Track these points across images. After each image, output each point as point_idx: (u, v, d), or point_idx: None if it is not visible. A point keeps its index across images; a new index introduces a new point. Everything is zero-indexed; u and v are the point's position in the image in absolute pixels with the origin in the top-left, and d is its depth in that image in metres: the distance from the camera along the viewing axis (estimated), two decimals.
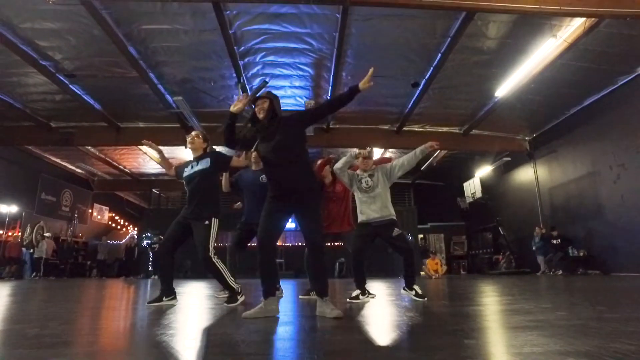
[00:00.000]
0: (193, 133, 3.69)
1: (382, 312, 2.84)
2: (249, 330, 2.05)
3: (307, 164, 2.70)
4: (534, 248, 11.82)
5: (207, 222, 3.35)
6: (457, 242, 18.01)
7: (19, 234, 13.79)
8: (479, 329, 2.01)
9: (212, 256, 3.32)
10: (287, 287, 6.96)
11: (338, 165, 3.74)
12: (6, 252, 12.65)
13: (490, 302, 3.60)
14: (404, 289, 3.69)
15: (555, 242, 11.06)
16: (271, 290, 2.57)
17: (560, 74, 8.85)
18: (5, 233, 13.47)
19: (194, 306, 3.35)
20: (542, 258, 11.50)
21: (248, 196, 4.30)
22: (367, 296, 3.69)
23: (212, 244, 3.34)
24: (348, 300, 3.56)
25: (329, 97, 10.13)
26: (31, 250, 13.61)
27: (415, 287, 3.59)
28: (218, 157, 3.60)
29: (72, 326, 2.28)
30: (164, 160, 3.84)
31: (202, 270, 3.82)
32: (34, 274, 13.30)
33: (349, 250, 3.83)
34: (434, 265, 11.96)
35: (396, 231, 3.53)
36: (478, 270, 16.04)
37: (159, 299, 3.36)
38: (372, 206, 3.59)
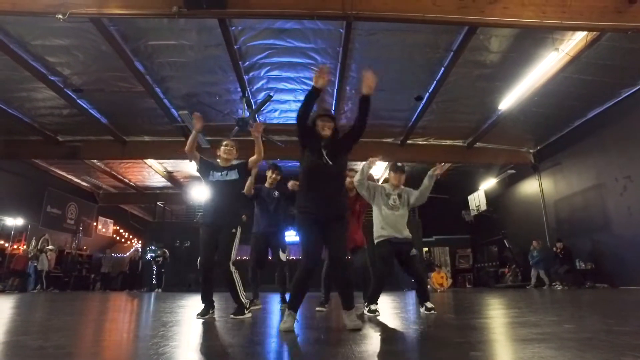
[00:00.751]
0: (228, 142, 3.80)
1: (389, 325, 2.81)
2: (252, 342, 2.04)
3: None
4: (531, 262, 11.79)
5: (233, 230, 3.48)
6: (462, 255, 17.85)
7: (25, 246, 13.84)
8: (486, 341, 1.99)
9: (231, 266, 3.42)
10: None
11: (357, 177, 3.71)
12: (12, 264, 12.65)
13: (497, 314, 3.56)
14: (424, 309, 3.61)
15: (560, 254, 10.93)
16: (298, 305, 2.66)
17: (563, 86, 8.88)
18: (11, 246, 13.52)
19: (198, 319, 3.34)
20: (542, 272, 11.49)
21: (261, 207, 4.68)
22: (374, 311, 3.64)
23: (234, 252, 3.47)
24: (366, 312, 3.53)
25: (333, 111, 10.19)
26: (35, 263, 13.62)
27: (427, 303, 3.61)
28: (244, 166, 3.74)
29: (75, 338, 2.28)
30: (194, 140, 3.73)
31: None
32: (37, 286, 13.28)
33: (356, 264, 3.84)
34: (439, 279, 11.86)
35: (413, 251, 3.60)
36: (484, 284, 15.85)
37: (206, 313, 3.42)
38: (397, 225, 3.62)
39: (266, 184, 4.81)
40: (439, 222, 17.73)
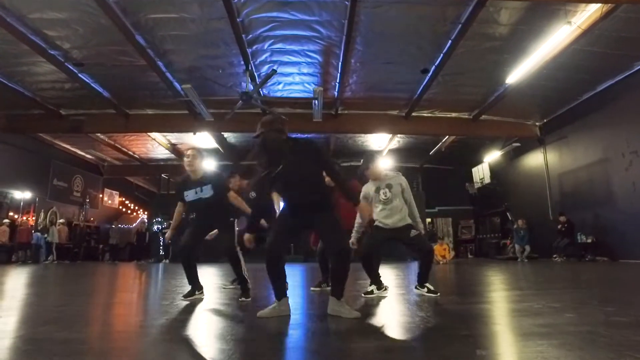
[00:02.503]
0: (190, 152, 3.59)
1: (392, 313, 2.90)
2: (267, 334, 2.13)
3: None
4: (516, 240, 12.29)
5: (232, 219, 3.78)
6: (464, 226, 18.06)
7: (33, 218, 14.10)
8: (490, 334, 2.07)
9: (237, 246, 3.66)
10: (296, 273, 7.10)
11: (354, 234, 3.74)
12: (17, 237, 12.93)
13: (499, 298, 3.66)
14: (416, 287, 3.66)
15: (562, 228, 11.06)
16: (282, 292, 2.67)
17: (573, 59, 8.67)
18: (20, 218, 13.77)
19: (208, 304, 3.45)
20: (528, 247, 12.16)
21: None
22: (383, 290, 3.74)
23: (236, 237, 3.72)
24: (363, 295, 3.61)
25: (338, 84, 10.07)
26: (45, 235, 13.91)
27: (427, 285, 3.58)
28: (218, 185, 3.60)
29: (97, 328, 2.38)
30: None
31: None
32: (49, 258, 13.64)
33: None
34: (441, 251, 12.02)
35: (413, 232, 3.53)
36: (485, 255, 16.12)
37: (191, 294, 3.53)
38: (389, 219, 3.58)
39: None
40: (442, 193, 17.83)
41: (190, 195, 3.56)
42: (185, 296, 3.49)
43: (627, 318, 2.33)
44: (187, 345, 1.95)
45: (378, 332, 2.20)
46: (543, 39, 7.85)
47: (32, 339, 2.02)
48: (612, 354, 1.60)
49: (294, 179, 2.61)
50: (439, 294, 3.51)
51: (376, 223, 3.66)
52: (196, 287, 3.57)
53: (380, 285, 3.73)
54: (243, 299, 3.46)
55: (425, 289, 3.56)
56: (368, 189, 3.72)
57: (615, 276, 6.21)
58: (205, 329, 2.35)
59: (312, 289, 4.25)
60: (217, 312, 2.92)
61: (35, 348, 1.84)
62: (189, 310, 2.96)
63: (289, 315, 2.60)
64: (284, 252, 2.76)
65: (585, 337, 1.91)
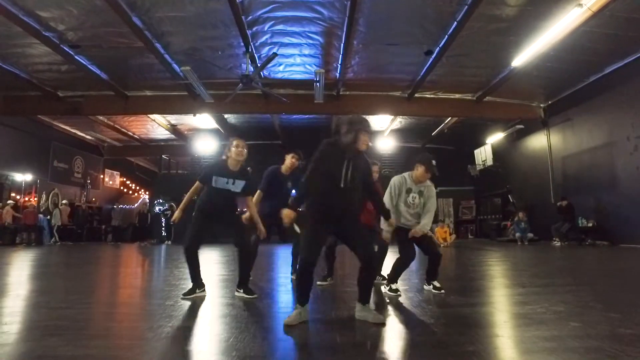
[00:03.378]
0: (239, 143, 3.58)
1: (400, 320, 2.90)
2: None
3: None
4: (517, 232, 12.13)
5: (237, 212, 3.80)
6: (465, 206, 18.06)
7: (35, 200, 14.12)
8: (493, 349, 2.06)
9: (252, 238, 3.89)
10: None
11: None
12: (23, 219, 12.97)
13: (502, 298, 3.68)
14: (425, 284, 3.79)
15: (563, 212, 11.05)
16: (307, 298, 2.68)
17: (581, 41, 8.43)
18: (22, 200, 13.79)
19: (213, 306, 3.45)
20: (519, 236, 12.03)
21: (270, 191, 4.42)
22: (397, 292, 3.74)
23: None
24: (387, 291, 3.63)
25: (339, 66, 9.90)
26: (48, 217, 13.97)
27: (434, 282, 3.69)
28: (250, 187, 3.74)
29: (101, 342, 2.38)
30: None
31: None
32: (52, 239, 13.75)
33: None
34: (442, 234, 12.10)
35: (428, 232, 3.64)
36: (485, 236, 16.20)
37: (192, 292, 3.50)
38: (409, 217, 3.65)
39: (282, 169, 4.54)
40: (443, 173, 17.34)
41: (220, 182, 3.54)
42: (186, 294, 3.47)
43: (632, 330, 2.32)
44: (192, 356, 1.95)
45: (379, 348, 2.20)
46: (552, 21, 7.61)
47: (36, 356, 2.01)
48: None
49: (342, 184, 2.61)
50: (443, 291, 3.59)
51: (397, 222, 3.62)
52: (197, 284, 3.55)
53: (392, 285, 3.70)
54: (246, 295, 3.48)
55: (432, 286, 3.69)
56: (400, 183, 3.65)
57: (618, 266, 6.24)
58: (212, 338, 2.35)
59: (318, 283, 4.24)
60: (222, 316, 2.93)
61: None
62: (192, 314, 2.96)
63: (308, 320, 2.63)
64: (317, 260, 2.70)
65: (591, 353, 1.91)
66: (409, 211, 3.63)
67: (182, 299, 3.41)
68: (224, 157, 3.68)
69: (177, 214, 3.68)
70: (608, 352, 1.94)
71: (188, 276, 3.60)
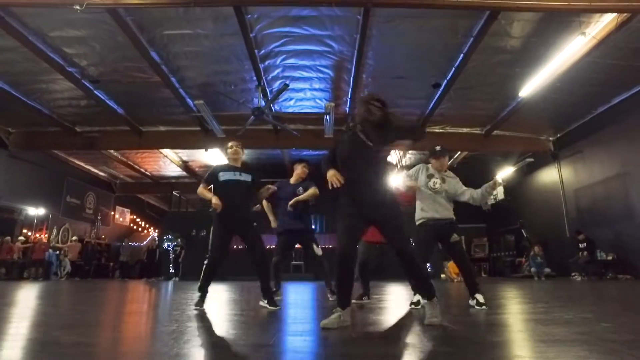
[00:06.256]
0: (234, 143, 3.78)
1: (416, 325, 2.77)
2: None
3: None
4: (532, 266, 11.82)
5: (255, 224, 3.63)
6: (477, 244, 17.68)
7: (46, 237, 14.17)
8: (527, 340, 1.94)
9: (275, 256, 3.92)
10: (307, 290, 6.93)
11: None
12: (32, 254, 12.96)
13: (524, 309, 3.49)
14: (475, 303, 3.37)
15: (581, 245, 10.76)
16: (348, 301, 2.50)
17: (587, 72, 8.58)
18: (34, 234, 13.85)
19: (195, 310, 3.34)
20: (536, 272, 11.69)
21: (281, 205, 4.48)
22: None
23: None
24: (411, 306, 3.40)
25: (349, 100, 10.15)
26: (57, 252, 13.94)
27: (477, 295, 3.37)
28: (258, 180, 3.80)
29: (108, 334, 2.30)
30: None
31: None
32: (59, 274, 13.64)
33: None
34: (456, 269, 11.75)
35: (454, 237, 3.43)
36: (499, 274, 15.71)
37: (202, 301, 3.49)
38: (436, 206, 3.48)
39: (291, 180, 4.63)
40: (454, 210, 17.52)
41: (227, 175, 3.62)
42: (197, 304, 3.43)
43: None
44: (200, 347, 1.86)
45: None
46: (556, 50, 7.79)
47: (44, 342, 1.94)
48: None
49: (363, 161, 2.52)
50: (485, 307, 3.27)
51: (421, 216, 3.52)
52: (204, 296, 3.55)
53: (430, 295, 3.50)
54: (269, 305, 3.45)
55: (475, 301, 3.35)
56: (417, 170, 3.62)
57: None
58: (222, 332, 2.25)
59: (354, 301, 4.07)
60: (233, 319, 2.83)
61: (46, 350, 1.77)
62: (201, 317, 2.86)
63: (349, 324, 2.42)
64: (355, 254, 2.60)
65: (632, 345, 1.78)
66: (433, 196, 3.48)
67: (194, 309, 3.36)
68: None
69: (215, 200, 3.48)
70: None
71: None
